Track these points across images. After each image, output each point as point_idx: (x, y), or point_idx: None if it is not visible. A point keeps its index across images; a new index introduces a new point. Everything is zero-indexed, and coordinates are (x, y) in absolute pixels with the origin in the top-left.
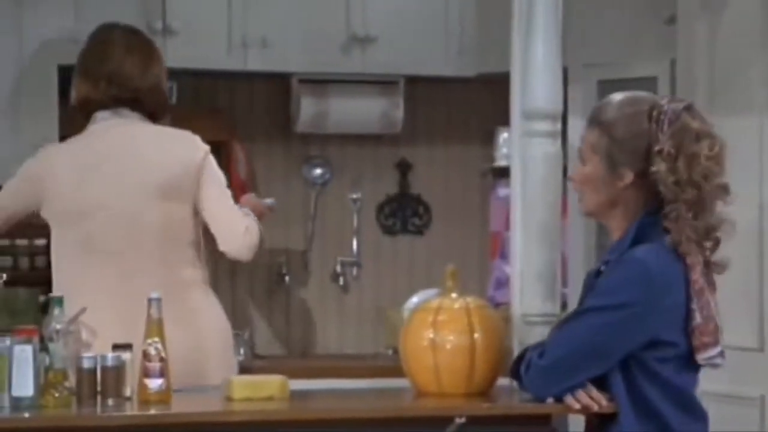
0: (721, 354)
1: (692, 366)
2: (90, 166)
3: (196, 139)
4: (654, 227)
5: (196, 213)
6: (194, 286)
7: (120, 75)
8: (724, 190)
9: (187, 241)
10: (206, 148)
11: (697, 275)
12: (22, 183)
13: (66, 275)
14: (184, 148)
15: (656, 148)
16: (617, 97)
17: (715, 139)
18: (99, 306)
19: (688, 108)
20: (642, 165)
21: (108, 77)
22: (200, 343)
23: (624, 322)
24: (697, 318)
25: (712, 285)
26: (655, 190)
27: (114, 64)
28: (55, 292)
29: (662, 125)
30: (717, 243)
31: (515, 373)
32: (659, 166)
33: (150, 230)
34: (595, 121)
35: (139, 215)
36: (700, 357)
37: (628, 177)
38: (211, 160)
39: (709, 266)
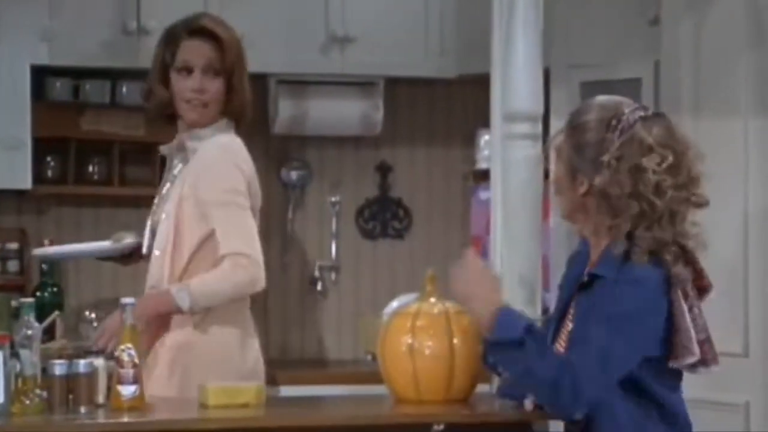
0: (700, 363)
1: (674, 377)
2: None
3: None
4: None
5: None
6: None
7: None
8: (688, 202)
9: None
10: None
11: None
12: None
13: None
14: None
15: (602, 158)
16: (594, 101)
17: (668, 151)
18: None
19: (646, 118)
20: (594, 175)
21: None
22: None
23: (639, 339)
24: (671, 329)
25: (704, 289)
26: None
27: None
28: None
29: (615, 135)
30: (677, 257)
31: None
32: (603, 178)
33: None
34: (566, 124)
35: None
36: (672, 364)
37: (585, 185)
38: None
39: (679, 276)
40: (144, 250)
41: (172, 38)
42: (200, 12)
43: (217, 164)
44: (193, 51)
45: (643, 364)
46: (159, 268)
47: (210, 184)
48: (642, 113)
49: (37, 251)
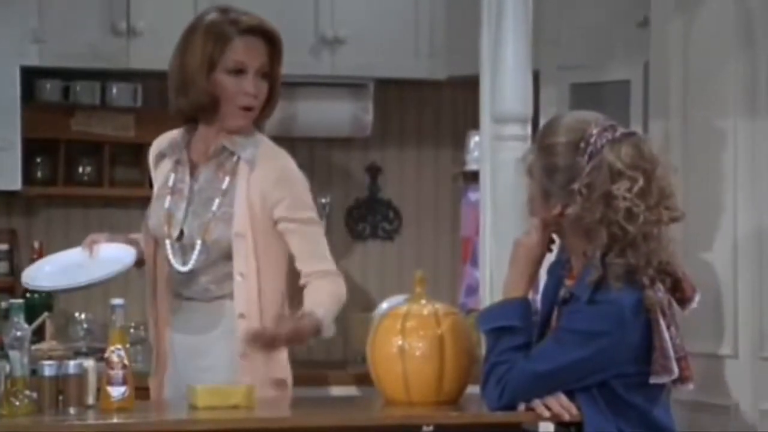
0: (678, 381)
1: (657, 390)
2: None
3: None
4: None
5: None
6: None
7: None
8: (660, 221)
9: None
10: None
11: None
12: None
13: None
14: None
15: (573, 186)
16: (562, 120)
17: (638, 173)
18: None
19: (614, 140)
20: (566, 201)
21: None
22: None
23: (600, 359)
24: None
25: (687, 300)
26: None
27: None
28: None
29: (585, 159)
30: (653, 279)
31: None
32: (575, 206)
33: None
34: (537, 142)
35: None
36: (652, 380)
37: (558, 208)
38: None
39: (652, 299)
40: (187, 265)
41: (220, 34)
42: (228, 5)
43: (294, 179)
44: (248, 51)
45: (621, 378)
46: (247, 293)
47: (290, 200)
48: (610, 135)
49: (26, 280)
